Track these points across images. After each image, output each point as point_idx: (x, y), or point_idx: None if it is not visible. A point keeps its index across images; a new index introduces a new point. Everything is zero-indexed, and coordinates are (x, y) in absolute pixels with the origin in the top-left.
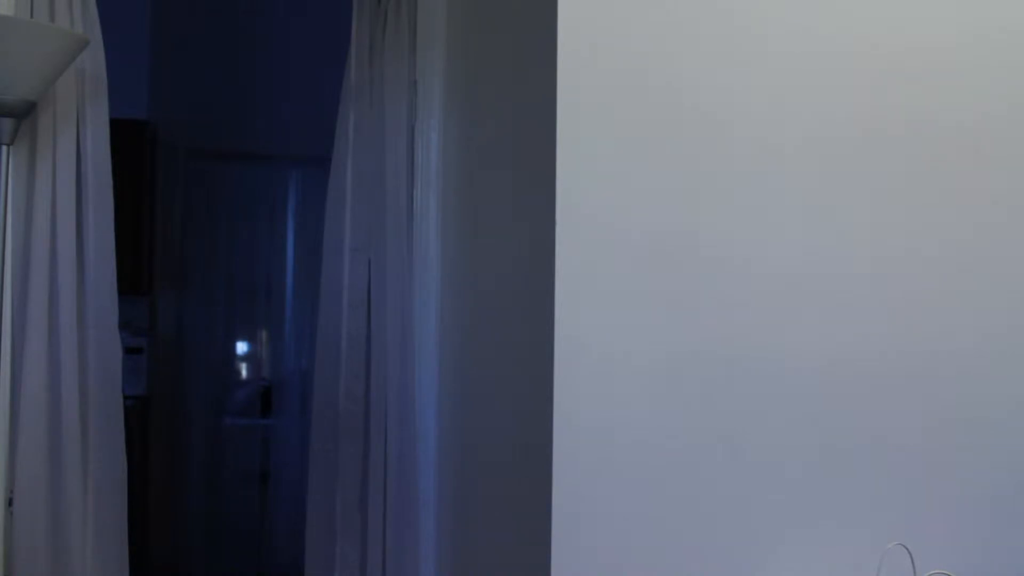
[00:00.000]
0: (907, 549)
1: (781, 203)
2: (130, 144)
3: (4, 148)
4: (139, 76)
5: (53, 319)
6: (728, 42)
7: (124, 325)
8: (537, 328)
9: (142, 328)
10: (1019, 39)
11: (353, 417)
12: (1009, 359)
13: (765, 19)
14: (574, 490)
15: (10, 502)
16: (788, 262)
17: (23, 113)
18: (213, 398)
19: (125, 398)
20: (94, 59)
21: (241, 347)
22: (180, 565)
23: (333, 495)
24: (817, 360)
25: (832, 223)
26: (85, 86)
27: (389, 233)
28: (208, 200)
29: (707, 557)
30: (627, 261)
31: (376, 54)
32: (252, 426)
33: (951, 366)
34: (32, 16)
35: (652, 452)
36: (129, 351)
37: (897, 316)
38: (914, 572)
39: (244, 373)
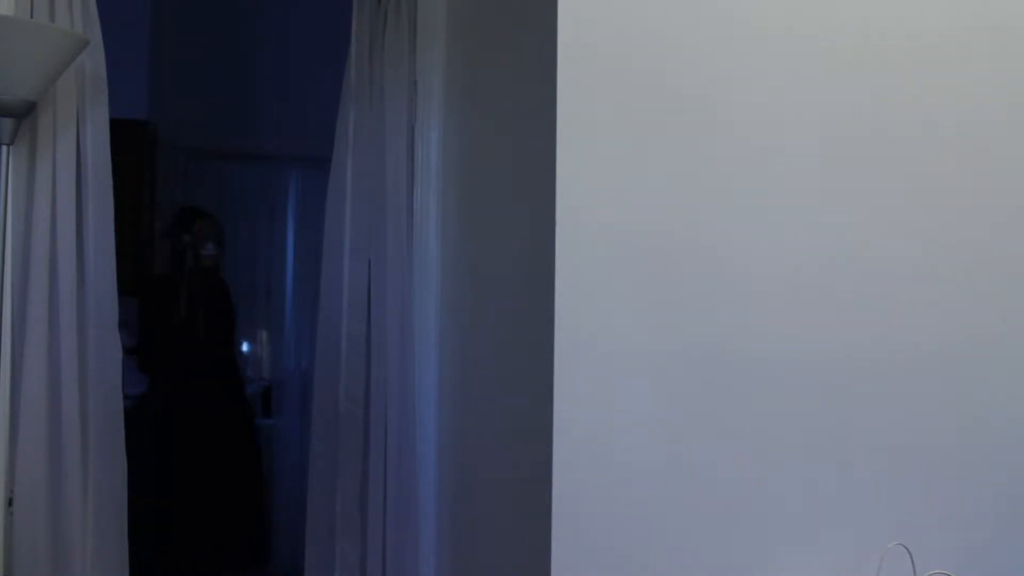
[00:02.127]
0: (907, 549)
1: (781, 203)
2: (130, 144)
3: (4, 148)
4: (139, 76)
5: (53, 319)
6: (728, 43)
7: (124, 325)
8: (537, 328)
9: None
10: (1020, 38)
11: (353, 417)
12: (1009, 359)
13: (766, 20)
14: (574, 490)
15: (10, 502)
16: (788, 262)
17: (23, 113)
18: None
19: (125, 398)
20: (94, 59)
21: (241, 347)
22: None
23: (333, 495)
24: (817, 360)
25: (832, 223)
26: (85, 86)
27: (389, 233)
28: (208, 200)
29: (707, 557)
30: (627, 261)
31: (376, 54)
32: None
33: (951, 366)
34: (32, 16)
35: (652, 452)
36: (129, 351)
37: (897, 316)
38: (914, 572)
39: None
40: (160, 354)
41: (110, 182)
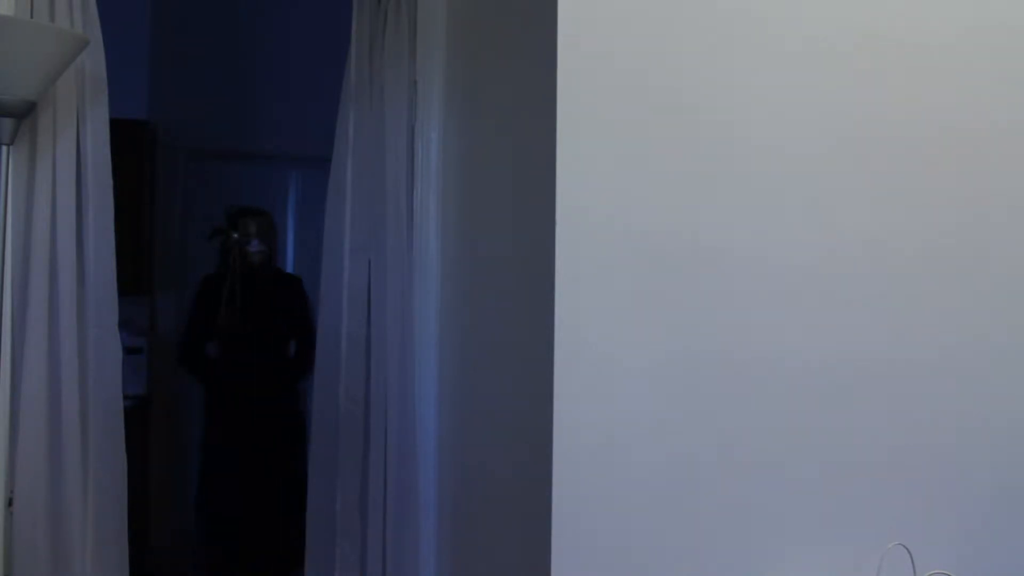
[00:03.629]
0: (907, 549)
1: (781, 203)
2: (130, 144)
3: (4, 148)
4: (139, 76)
5: (53, 319)
6: (728, 43)
7: (124, 325)
8: (537, 328)
9: (142, 328)
10: (1020, 38)
11: (353, 417)
12: (1009, 359)
13: (765, 19)
14: (574, 490)
15: (10, 502)
16: (788, 262)
17: (23, 113)
18: None
19: (125, 398)
20: (94, 59)
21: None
22: (180, 564)
23: (333, 495)
24: (817, 360)
25: (832, 223)
26: (85, 86)
27: (389, 233)
28: (208, 200)
29: (707, 557)
30: (627, 261)
31: (376, 54)
32: None
33: (951, 366)
34: (32, 16)
35: (652, 452)
36: (129, 351)
37: (897, 316)
38: (914, 572)
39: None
40: (212, 352)
41: (110, 182)
